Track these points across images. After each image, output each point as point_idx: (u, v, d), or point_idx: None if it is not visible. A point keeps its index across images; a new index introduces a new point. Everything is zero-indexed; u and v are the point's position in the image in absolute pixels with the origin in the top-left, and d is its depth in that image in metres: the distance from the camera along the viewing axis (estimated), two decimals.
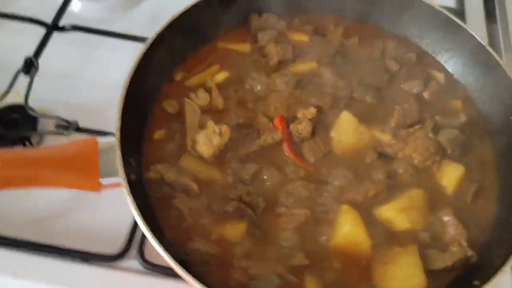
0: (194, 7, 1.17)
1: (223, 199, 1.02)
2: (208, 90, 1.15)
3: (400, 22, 1.28)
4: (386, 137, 1.11)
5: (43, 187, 0.93)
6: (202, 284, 0.84)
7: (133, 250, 1.09)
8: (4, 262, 1.06)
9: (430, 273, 0.97)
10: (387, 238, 1.00)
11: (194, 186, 1.00)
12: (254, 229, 0.99)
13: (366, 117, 1.13)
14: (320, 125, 1.12)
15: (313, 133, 1.10)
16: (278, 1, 1.28)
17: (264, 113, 1.13)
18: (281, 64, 1.20)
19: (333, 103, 1.14)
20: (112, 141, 0.96)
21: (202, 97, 1.12)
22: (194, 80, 1.17)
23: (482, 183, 1.08)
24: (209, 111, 1.12)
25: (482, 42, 1.17)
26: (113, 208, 1.11)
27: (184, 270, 0.85)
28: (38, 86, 1.27)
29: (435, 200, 1.05)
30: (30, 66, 1.29)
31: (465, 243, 0.98)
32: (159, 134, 1.09)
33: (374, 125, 1.13)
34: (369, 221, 1.01)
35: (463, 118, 1.14)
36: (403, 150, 1.09)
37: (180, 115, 1.11)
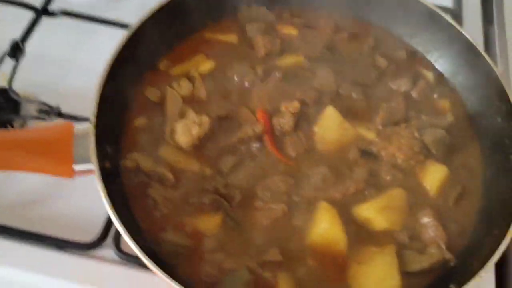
0: None
1: (199, 190, 1.00)
2: (192, 80, 1.13)
3: (392, 19, 1.26)
4: (370, 135, 1.09)
5: (13, 171, 0.92)
6: (168, 276, 0.83)
7: (109, 240, 1.07)
8: None
9: (406, 275, 0.94)
10: (364, 238, 0.98)
11: (170, 176, 0.99)
12: (229, 222, 0.97)
13: (351, 114, 1.11)
14: (304, 120, 1.10)
15: (296, 128, 1.08)
16: None
17: (247, 106, 1.11)
18: (268, 57, 1.18)
19: (318, 98, 1.12)
20: (88, 127, 0.94)
21: (184, 87, 1.10)
22: (178, 69, 1.16)
23: (466, 186, 1.06)
24: (191, 101, 1.11)
25: (473, 42, 1.15)
26: (91, 196, 1.06)
27: (151, 260, 0.84)
28: (25, 70, 1.27)
29: (416, 200, 1.03)
30: (16, 50, 1.29)
31: (443, 246, 0.96)
32: (139, 122, 1.08)
33: (359, 122, 1.10)
34: (347, 219, 0.99)
35: (450, 118, 1.11)
36: (387, 148, 1.06)
37: (162, 104, 1.10)
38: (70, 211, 1.11)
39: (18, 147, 0.91)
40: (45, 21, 1.39)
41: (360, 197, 1.02)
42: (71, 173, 0.93)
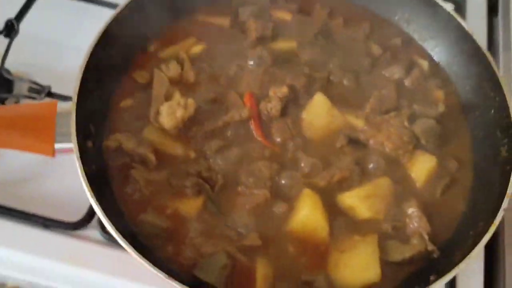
0: None
1: (182, 173, 0.99)
2: (181, 63, 1.12)
3: (388, 4, 1.23)
4: (359, 123, 1.07)
5: None
6: (142, 256, 0.83)
7: (95, 220, 1.07)
8: None
9: (387, 265, 0.93)
10: (347, 226, 0.97)
11: (152, 158, 0.98)
12: (210, 206, 0.97)
13: (341, 101, 1.09)
14: (292, 106, 1.08)
15: (284, 114, 1.07)
16: None
17: (236, 90, 1.09)
18: (260, 41, 1.17)
19: (308, 83, 1.10)
20: (71, 106, 0.94)
21: (172, 69, 1.09)
22: (167, 52, 1.15)
23: (455, 178, 1.04)
24: (179, 83, 1.10)
25: (469, 32, 1.12)
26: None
27: (126, 241, 0.84)
28: (19, 49, 1.26)
29: (402, 191, 1.01)
30: (10, 29, 1.29)
31: (426, 237, 0.94)
32: (125, 103, 1.07)
33: (348, 110, 1.09)
34: (331, 207, 0.98)
35: (442, 108, 1.09)
36: (375, 136, 1.05)
37: (150, 86, 1.09)
38: (59, 190, 1.11)
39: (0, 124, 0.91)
40: (40, 0, 1.38)
41: (345, 185, 1.00)
42: (52, 152, 0.93)
